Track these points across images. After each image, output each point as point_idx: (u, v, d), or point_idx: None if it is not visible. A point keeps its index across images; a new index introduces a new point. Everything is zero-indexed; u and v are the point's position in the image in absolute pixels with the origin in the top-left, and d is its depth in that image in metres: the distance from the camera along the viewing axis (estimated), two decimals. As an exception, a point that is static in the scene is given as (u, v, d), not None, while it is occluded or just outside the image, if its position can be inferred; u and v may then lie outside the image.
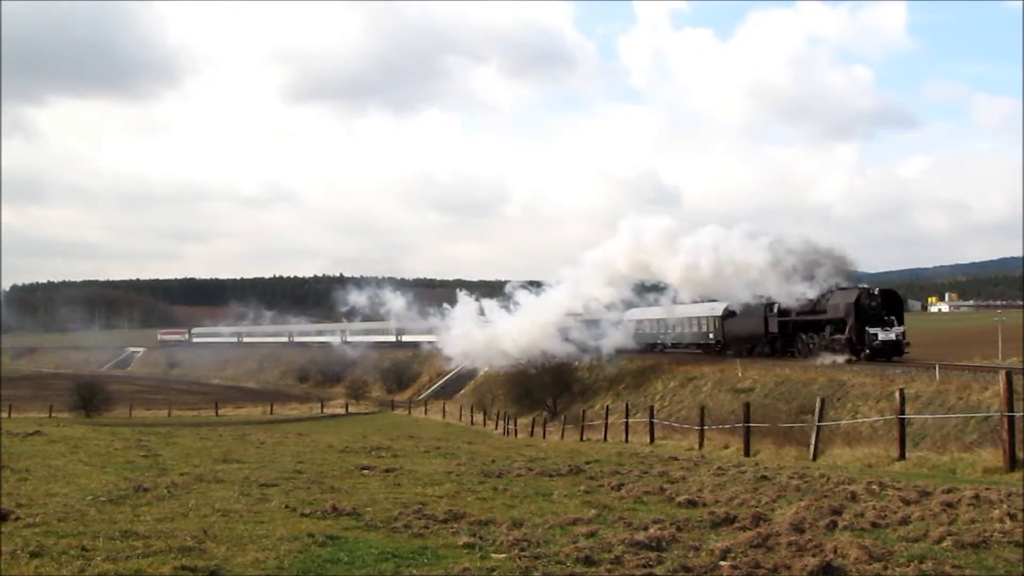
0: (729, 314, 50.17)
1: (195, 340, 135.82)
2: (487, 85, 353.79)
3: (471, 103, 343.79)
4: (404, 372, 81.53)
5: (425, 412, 61.52)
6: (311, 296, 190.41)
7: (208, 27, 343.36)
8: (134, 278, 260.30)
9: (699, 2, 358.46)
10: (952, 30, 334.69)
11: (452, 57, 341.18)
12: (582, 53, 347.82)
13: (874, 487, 8.93)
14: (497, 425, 46.10)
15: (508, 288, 78.19)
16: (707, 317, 52.85)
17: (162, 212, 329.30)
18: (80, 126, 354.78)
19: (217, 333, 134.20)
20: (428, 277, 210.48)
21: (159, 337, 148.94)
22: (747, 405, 18.11)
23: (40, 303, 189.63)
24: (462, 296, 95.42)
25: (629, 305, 64.11)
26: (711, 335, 52.63)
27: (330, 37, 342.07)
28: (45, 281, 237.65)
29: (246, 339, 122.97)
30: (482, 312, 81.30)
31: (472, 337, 69.05)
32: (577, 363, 56.41)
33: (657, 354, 56.28)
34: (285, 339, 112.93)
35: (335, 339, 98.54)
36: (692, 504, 8.15)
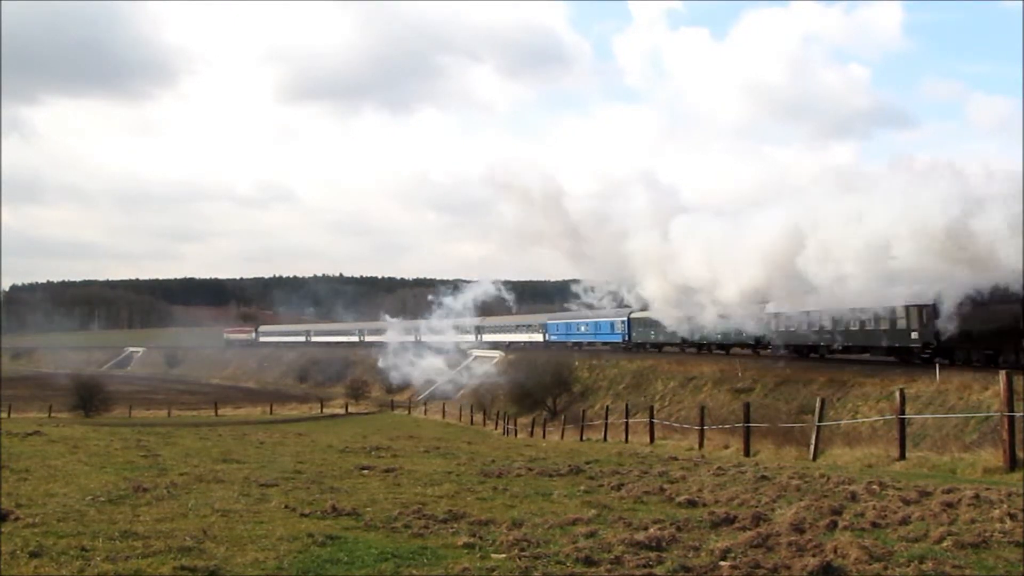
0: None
1: (262, 339, 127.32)
2: (484, 84, 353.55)
3: (468, 102, 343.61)
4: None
5: (425, 412, 61.54)
6: (311, 296, 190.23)
7: (203, 27, 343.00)
8: (133, 278, 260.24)
9: (695, 1, 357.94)
10: (948, 30, 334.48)
11: (448, 57, 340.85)
12: (578, 52, 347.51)
13: (874, 487, 8.92)
14: (497, 425, 46.11)
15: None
16: (909, 308, 34.91)
17: (159, 212, 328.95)
18: (76, 126, 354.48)
19: (285, 332, 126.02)
20: (428, 277, 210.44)
21: (224, 336, 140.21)
22: (747, 405, 18.13)
23: (40, 303, 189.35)
24: (389, 321, 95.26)
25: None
26: (914, 334, 35.21)
27: (325, 37, 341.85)
28: (44, 281, 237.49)
29: (314, 338, 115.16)
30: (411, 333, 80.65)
31: (407, 368, 69.49)
32: (577, 363, 56.46)
33: (806, 360, 42.80)
34: (355, 338, 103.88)
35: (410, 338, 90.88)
36: (692, 504, 8.15)
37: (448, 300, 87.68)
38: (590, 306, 58.94)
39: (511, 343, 76.25)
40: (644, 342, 58.39)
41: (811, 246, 32.35)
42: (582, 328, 67.48)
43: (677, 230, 41.43)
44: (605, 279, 49.02)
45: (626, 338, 60.40)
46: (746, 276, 37.32)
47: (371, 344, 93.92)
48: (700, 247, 39.55)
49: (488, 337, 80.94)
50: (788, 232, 33.62)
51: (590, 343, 66.67)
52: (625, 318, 59.64)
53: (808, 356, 43.10)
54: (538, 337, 72.96)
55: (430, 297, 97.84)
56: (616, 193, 48.02)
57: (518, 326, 79.09)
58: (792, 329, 42.96)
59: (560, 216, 44.69)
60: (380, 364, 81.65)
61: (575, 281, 61.57)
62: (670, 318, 51.39)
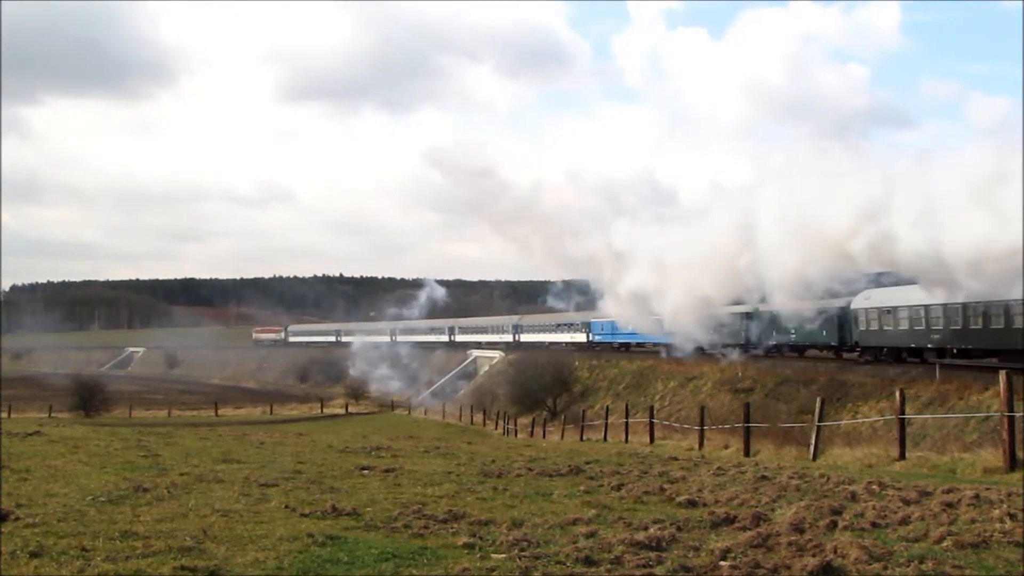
0: None
1: (291, 339, 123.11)
2: (482, 84, 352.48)
3: (467, 102, 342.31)
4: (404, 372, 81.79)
5: (425, 412, 61.56)
6: (311, 296, 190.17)
7: (202, 27, 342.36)
8: (133, 278, 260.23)
9: (692, 1, 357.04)
10: (947, 30, 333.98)
11: (447, 56, 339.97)
12: (577, 52, 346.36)
13: (874, 487, 8.92)
14: (497, 425, 46.13)
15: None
16: None
17: (159, 212, 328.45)
18: (75, 126, 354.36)
19: (314, 332, 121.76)
20: (428, 277, 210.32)
21: (254, 336, 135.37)
22: (747, 405, 18.13)
23: (40, 303, 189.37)
24: (353, 327, 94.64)
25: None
26: None
27: (324, 37, 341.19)
28: (44, 281, 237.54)
29: (344, 338, 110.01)
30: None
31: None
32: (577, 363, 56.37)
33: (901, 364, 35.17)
34: (387, 338, 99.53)
35: (444, 338, 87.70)
36: (692, 504, 8.15)
37: (409, 302, 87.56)
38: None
39: (551, 343, 71.69)
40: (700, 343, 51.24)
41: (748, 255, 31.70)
42: (629, 327, 59.54)
43: (619, 236, 40.63)
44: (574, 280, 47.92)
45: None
46: (694, 284, 35.72)
47: (404, 344, 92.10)
48: (645, 254, 38.08)
49: (526, 337, 76.79)
50: (733, 237, 32.54)
51: (639, 344, 60.63)
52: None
53: (905, 361, 35.46)
54: (581, 337, 67.78)
55: (372, 314, 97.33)
56: (582, 192, 47.56)
57: (558, 325, 74.09)
58: (888, 328, 35.69)
59: (498, 202, 44.64)
60: (352, 372, 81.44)
61: (568, 282, 60.76)
62: (734, 316, 44.96)
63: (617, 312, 47.42)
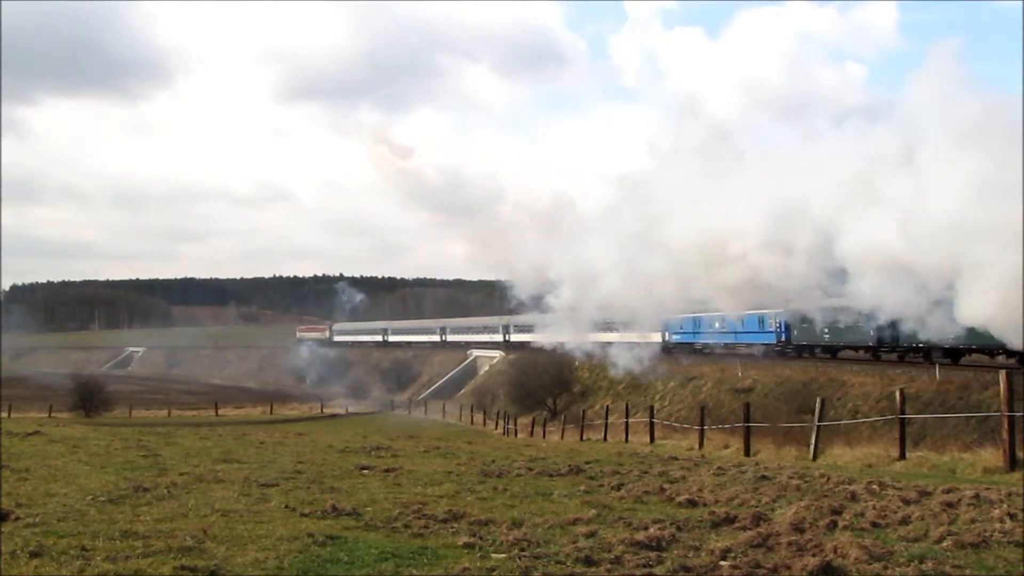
0: None
1: (336, 339, 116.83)
2: (480, 84, 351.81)
3: (464, 102, 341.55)
4: (404, 372, 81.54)
5: (425, 412, 61.56)
6: (311, 296, 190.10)
7: (199, 27, 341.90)
8: (132, 278, 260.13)
9: (689, 1, 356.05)
10: (945, 29, 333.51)
11: (444, 56, 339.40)
12: (574, 52, 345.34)
13: (874, 487, 8.93)
14: (497, 425, 46.12)
15: None
16: None
17: (157, 212, 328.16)
18: (73, 126, 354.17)
19: (360, 331, 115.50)
20: (428, 277, 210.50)
21: (297, 334, 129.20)
22: (747, 405, 18.13)
23: (40, 303, 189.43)
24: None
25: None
26: None
27: (322, 36, 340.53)
28: (44, 281, 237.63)
29: (392, 337, 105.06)
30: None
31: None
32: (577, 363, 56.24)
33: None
34: (436, 338, 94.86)
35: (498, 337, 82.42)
36: (692, 504, 8.15)
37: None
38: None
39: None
40: (812, 344, 43.08)
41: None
42: (716, 325, 52.00)
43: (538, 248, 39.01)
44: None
45: (782, 338, 45.61)
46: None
47: (455, 344, 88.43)
48: (573, 269, 35.61)
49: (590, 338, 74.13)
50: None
51: (728, 345, 51.79)
52: (781, 311, 43.40)
53: None
54: (655, 337, 58.73)
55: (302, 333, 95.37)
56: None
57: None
58: None
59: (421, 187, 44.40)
60: (308, 382, 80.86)
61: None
62: (856, 311, 33.97)
63: (552, 324, 46.52)
